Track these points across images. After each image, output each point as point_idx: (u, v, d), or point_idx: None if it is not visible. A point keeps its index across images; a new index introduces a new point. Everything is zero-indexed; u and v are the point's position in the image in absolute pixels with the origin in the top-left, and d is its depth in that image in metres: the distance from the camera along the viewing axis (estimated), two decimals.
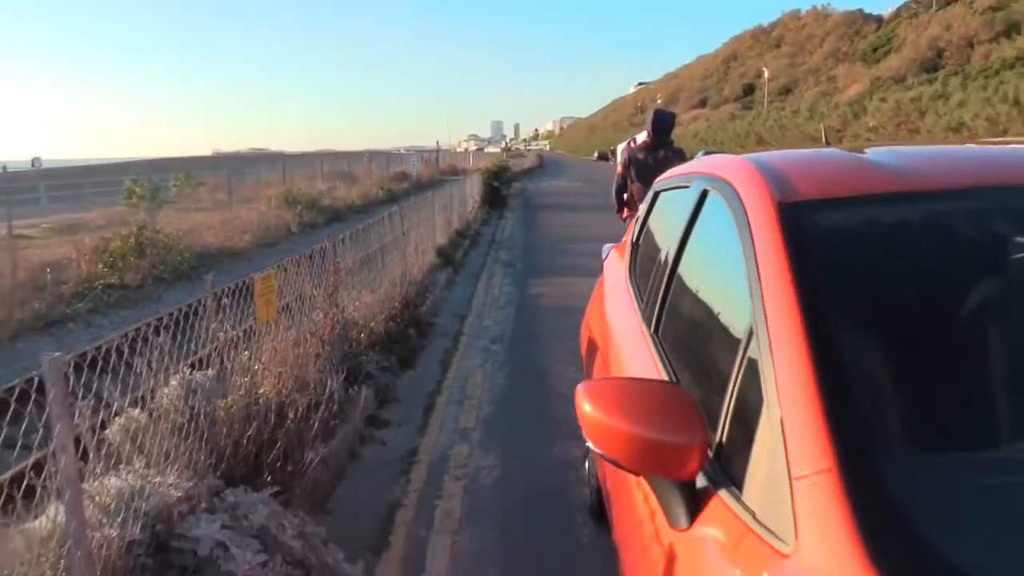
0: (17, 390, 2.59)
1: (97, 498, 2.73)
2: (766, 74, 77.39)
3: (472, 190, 21.02)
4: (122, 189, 22.32)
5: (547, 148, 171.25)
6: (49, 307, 8.38)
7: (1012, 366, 1.38)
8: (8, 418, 2.42)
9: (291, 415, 3.82)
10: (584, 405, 1.51)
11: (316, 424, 3.90)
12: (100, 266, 9.97)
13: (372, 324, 6.83)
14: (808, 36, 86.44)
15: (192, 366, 3.62)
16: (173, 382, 3.42)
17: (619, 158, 7.23)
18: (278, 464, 3.52)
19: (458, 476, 4.47)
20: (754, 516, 1.26)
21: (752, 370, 1.45)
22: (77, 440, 2.64)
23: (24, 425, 2.56)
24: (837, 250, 1.61)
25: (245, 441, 3.47)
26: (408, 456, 4.79)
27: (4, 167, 39.62)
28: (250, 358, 3.93)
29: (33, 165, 43.57)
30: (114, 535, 2.62)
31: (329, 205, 20.41)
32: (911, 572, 1.00)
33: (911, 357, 1.39)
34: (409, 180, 31.62)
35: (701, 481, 1.47)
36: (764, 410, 1.34)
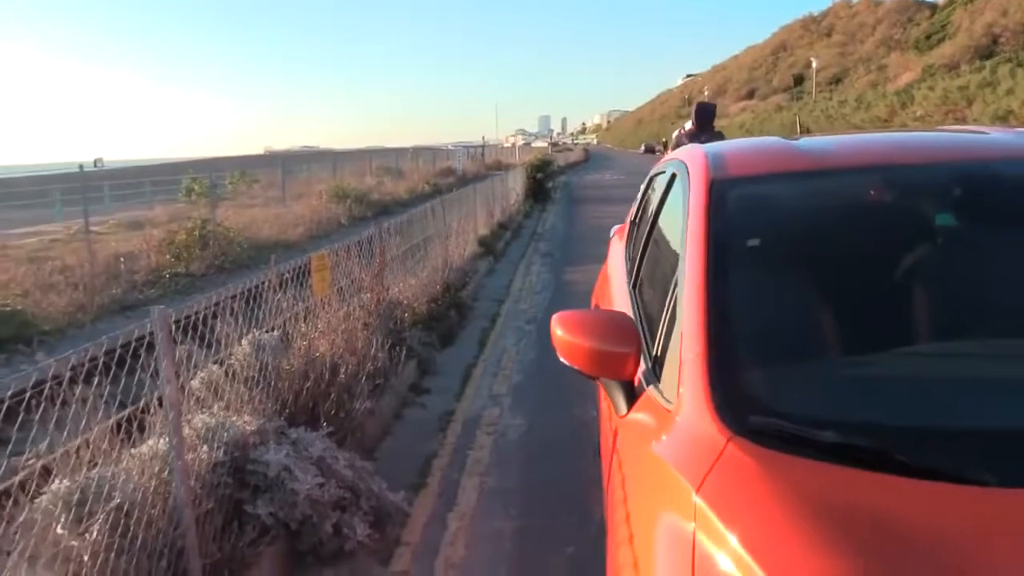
0: (117, 346, 3.25)
1: (188, 429, 3.38)
2: (815, 64, 76.48)
3: (515, 184, 21.60)
4: (180, 187, 23.40)
5: (594, 142, 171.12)
6: (124, 293, 9.20)
7: (855, 299, 1.90)
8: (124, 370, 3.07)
9: (342, 373, 4.45)
10: (556, 330, 2.07)
11: (363, 380, 4.51)
12: (168, 257, 10.80)
13: (416, 305, 7.46)
14: (859, 24, 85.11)
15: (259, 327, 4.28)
16: (245, 342, 4.07)
17: (672, 144, 7.93)
18: (332, 412, 4.15)
19: (489, 432, 5.07)
20: (663, 397, 1.81)
21: (676, 302, 1.99)
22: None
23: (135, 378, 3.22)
24: (742, 211, 2.14)
25: (304, 392, 4.11)
26: (445, 417, 5.41)
27: (99, 161, 41.55)
28: (307, 326, 4.57)
29: (96, 165, 45.33)
30: (204, 456, 3.27)
31: (377, 199, 21.20)
32: (742, 418, 1.53)
33: (781, 288, 1.93)
34: (455, 175, 32.34)
35: (638, 381, 2.02)
36: (676, 327, 1.89)
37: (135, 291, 9.42)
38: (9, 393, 3.28)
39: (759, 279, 1.95)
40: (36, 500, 2.81)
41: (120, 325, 8.17)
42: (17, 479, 2.86)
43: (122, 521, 2.77)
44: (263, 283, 4.46)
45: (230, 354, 4.04)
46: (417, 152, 41.43)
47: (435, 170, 33.86)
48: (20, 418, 2.70)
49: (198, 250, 11.03)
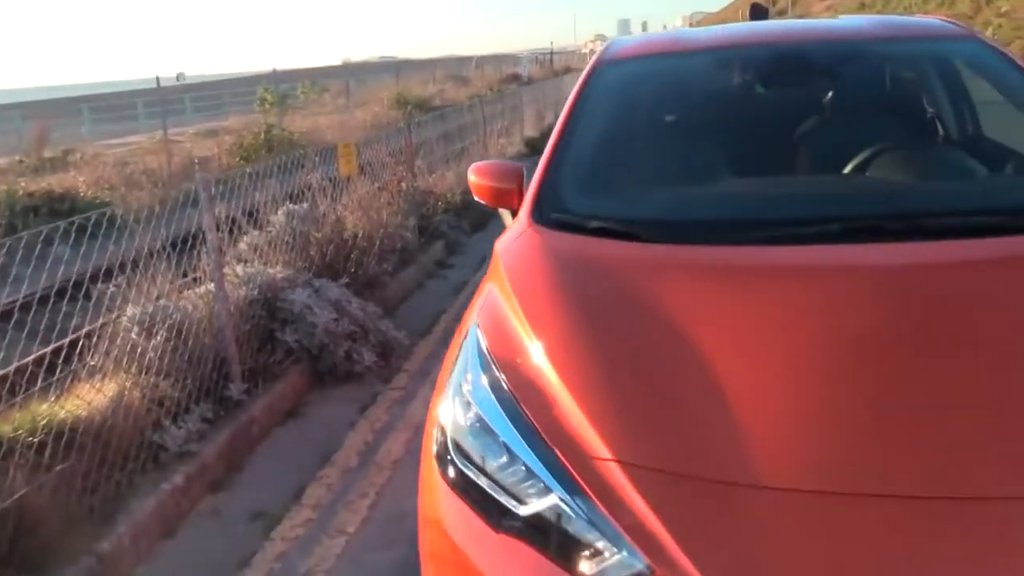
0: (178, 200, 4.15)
1: (230, 275, 4.31)
2: None
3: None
4: (256, 98, 24.48)
5: None
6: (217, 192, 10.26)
7: (663, 145, 2.60)
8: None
9: (363, 241, 5.32)
10: (470, 176, 2.82)
11: (379, 246, 5.38)
12: (237, 159, 11.83)
13: (450, 196, 8.26)
14: None
15: (293, 202, 5.18)
16: (280, 212, 4.97)
17: None
18: (352, 270, 5.04)
19: None
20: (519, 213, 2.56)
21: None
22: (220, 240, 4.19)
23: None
24: (607, 81, 2.82)
25: (327, 253, 5.01)
26: (461, 285, 6.26)
27: (180, 76, 43.36)
28: (336, 199, 5.45)
29: (178, 80, 47.07)
30: (242, 293, 4.20)
31: (439, 105, 21.85)
32: (544, 215, 2.24)
33: (609, 137, 2.63)
34: (519, 81, 32.58)
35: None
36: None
37: (218, 185, 10.46)
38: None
39: (597, 132, 2.65)
40: (119, 319, 3.79)
41: (192, 214, 9.25)
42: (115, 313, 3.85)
43: (178, 334, 3.72)
44: (297, 163, 5.34)
45: (268, 221, 4.96)
46: (482, 60, 41.56)
47: (500, 77, 34.12)
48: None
49: (264, 152, 12.01)
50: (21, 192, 8.33)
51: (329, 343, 4.32)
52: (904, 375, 1.52)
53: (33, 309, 3.61)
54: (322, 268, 4.94)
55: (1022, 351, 1.55)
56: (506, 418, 1.60)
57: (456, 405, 1.72)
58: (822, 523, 1.30)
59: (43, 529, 2.69)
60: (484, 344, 1.81)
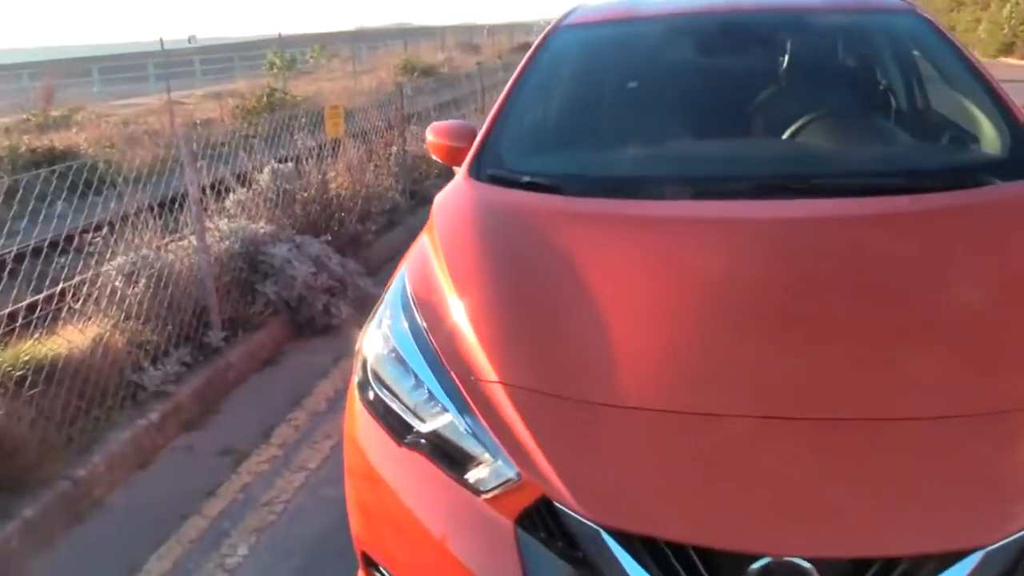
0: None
1: (213, 230, 4.49)
2: None
3: None
4: (264, 62, 24.55)
5: None
6: (201, 150, 10.43)
7: (600, 107, 2.75)
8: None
9: (350, 203, 5.49)
10: (428, 135, 2.97)
11: (358, 206, 5.55)
12: (239, 121, 11.99)
13: None
14: None
15: (280, 161, 5.35)
16: (266, 170, 5.14)
17: None
18: (334, 228, 5.22)
19: None
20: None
21: None
22: (203, 195, 4.37)
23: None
24: (559, 46, 2.95)
25: (310, 212, 5.18)
26: None
27: (192, 38, 43.45)
28: (322, 160, 5.62)
29: (189, 42, 47.12)
30: (224, 246, 4.38)
31: (446, 72, 21.88)
32: (479, 171, 2.40)
33: (550, 99, 2.77)
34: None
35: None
36: None
37: (208, 148, 10.63)
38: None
39: (541, 95, 2.80)
40: (104, 267, 3.98)
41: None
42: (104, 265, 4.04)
43: (159, 283, 3.92)
44: (284, 125, 5.49)
45: (254, 180, 5.14)
46: (495, 28, 41.43)
47: (512, 45, 34.00)
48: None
49: (266, 115, 12.15)
50: (24, 148, 8.53)
51: (308, 296, 4.52)
52: (775, 313, 1.69)
53: (26, 260, 3.84)
54: (305, 226, 5.12)
55: (881, 296, 1.72)
56: (417, 349, 1.78)
57: (378, 339, 1.90)
58: (677, 439, 1.48)
59: (21, 455, 2.90)
60: (408, 286, 1.99)
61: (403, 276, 2.05)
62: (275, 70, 22.55)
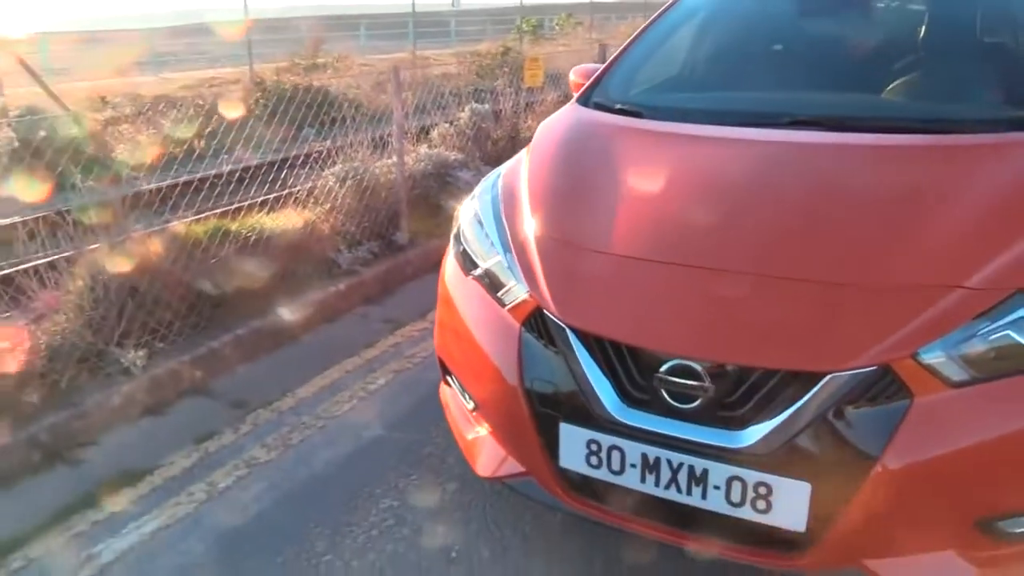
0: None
1: (414, 152, 5.38)
2: None
3: None
4: (513, 27, 25.92)
5: None
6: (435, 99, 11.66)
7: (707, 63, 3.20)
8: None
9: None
10: (571, 76, 3.58)
11: None
12: (475, 76, 13.13)
13: None
14: None
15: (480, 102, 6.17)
16: (467, 109, 5.98)
17: None
18: None
19: None
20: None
21: None
22: (405, 120, 5.27)
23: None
24: (689, 3, 3.42)
25: (501, 147, 5.96)
26: None
27: (455, 2, 46.74)
28: (517, 105, 6.38)
29: (453, 5, 50.33)
30: (420, 168, 5.27)
31: None
32: (585, 100, 2.98)
33: (671, 48, 3.26)
34: None
35: None
36: None
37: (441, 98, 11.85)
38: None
39: (658, 41, 3.29)
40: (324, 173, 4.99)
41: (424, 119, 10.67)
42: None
43: (364, 188, 4.85)
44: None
45: (457, 117, 6.00)
46: None
47: None
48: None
49: (498, 72, 13.19)
50: (287, 84, 10.09)
51: None
52: (757, 204, 2.17)
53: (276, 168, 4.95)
54: (494, 158, 5.91)
55: (847, 198, 2.14)
56: (491, 213, 2.44)
57: (469, 207, 2.58)
58: (637, 275, 2.03)
59: (240, 298, 3.91)
60: (501, 172, 2.65)
61: (500, 171, 2.71)
62: (520, 34, 23.80)
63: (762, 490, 1.78)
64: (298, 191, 4.78)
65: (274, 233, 4.30)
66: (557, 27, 28.43)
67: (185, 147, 6.92)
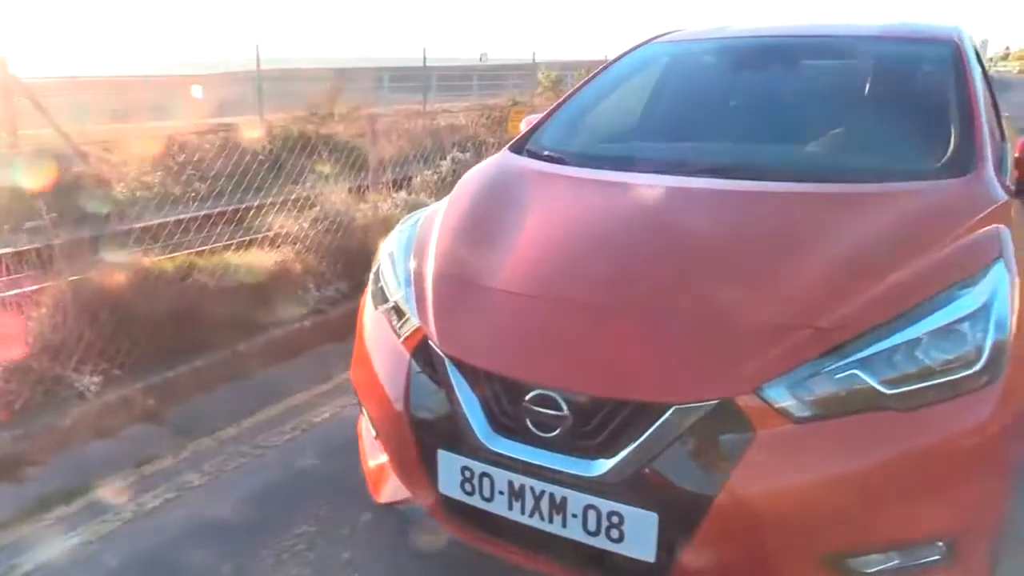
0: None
1: (394, 198, 5.55)
2: None
3: None
4: (536, 82, 26.47)
5: (1015, 70, 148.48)
6: (437, 149, 11.95)
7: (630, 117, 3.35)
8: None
9: None
10: (520, 125, 3.74)
11: None
12: (481, 128, 13.45)
13: None
14: None
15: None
16: (448, 157, 6.18)
17: None
18: None
19: None
20: None
21: None
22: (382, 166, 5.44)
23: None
24: (635, 57, 3.57)
25: None
26: None
27: (484, 56, 48.07)
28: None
29: (481, 59, 51.49)
30: (396, 212, 5.42)
31: None
32: (518, 149, 3.13)
33: (605, 98, 3.41)
34: None
35: None
36: None
37: (452, 148, 12.14)
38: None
39: (596, 93, 3.44)
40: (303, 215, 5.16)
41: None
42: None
43: (339, 229, 5.01)
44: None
45: (438, 164, 6.19)
46: None
47: None
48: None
49: (508, 125, 13.50)
50: (296, 133, 10.43)
51: None
52: (646, 244, 2.28)
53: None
54: None
55: (716, 239, 2.25)
56: (404, 250, 2.56)
57: (389, 242, 2.70)
58: (514, 309, 2.14)
59: (202, 328, 4.05)
60: (425, 214, 2.78)
61: (426, 211, 2.85)
62: (540, 88, 24.31)
63: (615, 519, 1.85)
64: (275, 232, 4.95)
65: (244, 270, 4.45)
66: (575, 82, 29.10)
67: (182, 189, 7.17)
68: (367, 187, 5.75)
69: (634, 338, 1.96)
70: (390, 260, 2.58)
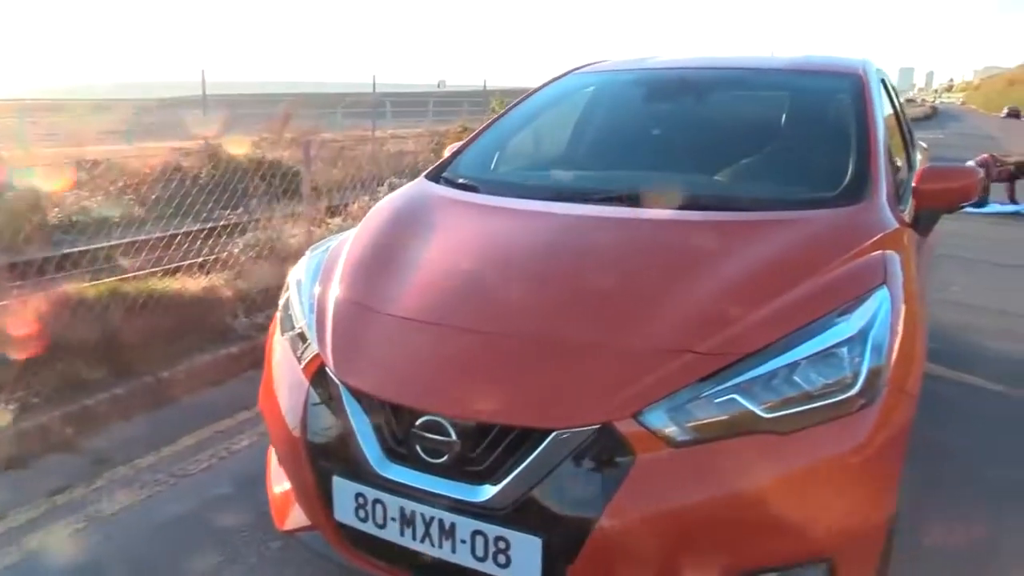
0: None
1: (328, 224, 5.55)
2: None
3: None
4: (489, 108, 26.70)
5: (958, 101, 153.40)
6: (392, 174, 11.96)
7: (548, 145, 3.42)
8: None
9: None
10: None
11: None
12: (430, 154, 13.52)
13: None
14: None
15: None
16: (386, 183, 6.20)
17: None
18: None
19: None
20: None
21: None
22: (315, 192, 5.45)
23: None
24: (554, 87, 3.65)
25: None
26: None
27: (441, 83, 48.31)
28: None
29: (439, 87, 51.91)
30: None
31: None
32: (435, 177, 3.17)
33: (520, 127, 3.47)
34: None
35: None
36: None
37: (402, 176, 12.16)
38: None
39: (513, 123, 3.50)
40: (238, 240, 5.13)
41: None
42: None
43: (273, 255, 4.99)
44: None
45: (378, 192, 6.21)
46: None
47: None
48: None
49: (444, 152, 13.58)
50: (243, 157, 10.40)
51: None
52: (538, 271, 2.32)
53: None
54: None
55: (610, 267, 2.30)
56: (311, 276, 2.57)
57: (297, 269, 2.71)
58: (410, 335, 2.16)
59: (128, 355, 4.00)
60: (335, 241, 2.80)
61: (339, 239, 2.86)
62: (491, 115, 24.57)
63: (501, 544, 1.87)
64: (203, 259, 4.92)
65: (171, 296, 4.42)
66: None
67: (119, 213, 7.08)
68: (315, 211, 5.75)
69: (520, 365, 1.99)
70: (297, 287, 2.59)
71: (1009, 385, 4.43)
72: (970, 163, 11.63)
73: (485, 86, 27.46)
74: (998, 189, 11.68)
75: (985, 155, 11.99)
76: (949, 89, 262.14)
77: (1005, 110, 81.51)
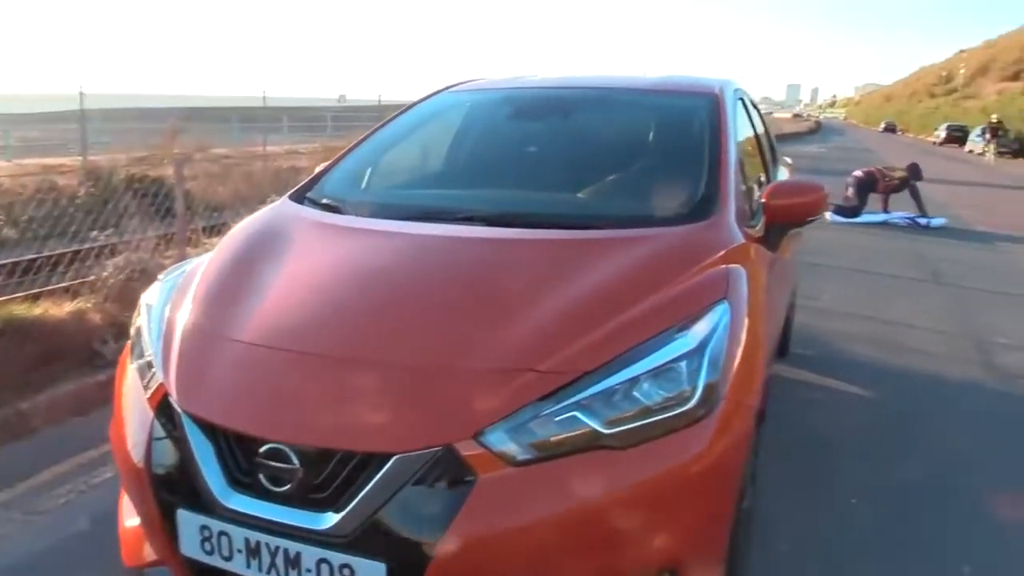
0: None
1: (206, 245, 5.40)
2: None
3: None
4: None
5: (840, 117, 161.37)
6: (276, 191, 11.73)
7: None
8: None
9: None
10: None
11: None
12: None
13: None
14: None
15: None
16: (267, 202, 6.07)
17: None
18: None
19: None
20: None
21: None
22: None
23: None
24: (425, 105, 3.67)
25: None
26: None
27: (342, 97, 47.79)
28: None
29: (339, 101, 51.32)
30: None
31: None
32: (299, 197, 3.13)
33: (386, 147, 3.48)
34: None
35: None
36: None
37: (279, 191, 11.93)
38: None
39: (381, 141, 3.50)
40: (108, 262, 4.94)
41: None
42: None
43: (145, 276, 4.82)
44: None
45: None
46: None
47: None
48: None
49: None
50: (123, 175, 10.02)
51: None
52: (382, 293, 2.33)
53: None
54: None
55: (453, 286, 2.33)
56: (161, 302, 2.50)
57: (150, 293, 2.62)
58: (256, 361, 2.12)
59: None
60: (190, 265, 2.73)
61: (195, 263, 2.79)
62: None
63: (346, 572, 1.85)
64: (69, 283, 4.72)
65: (32, 323, 4.21)
66: None
67: None
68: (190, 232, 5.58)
69: (361, 389, 1.99)
70: (147, 312, 2.52)
71: (863, 388, 4.70)
72: (857, 172, 12.34)
73: (380, 101, 27.24)
74: (876, 200, 12.39)
75: (872, 167, 12.71)
76: (832, 105, 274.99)
77: (883, 124, 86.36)
